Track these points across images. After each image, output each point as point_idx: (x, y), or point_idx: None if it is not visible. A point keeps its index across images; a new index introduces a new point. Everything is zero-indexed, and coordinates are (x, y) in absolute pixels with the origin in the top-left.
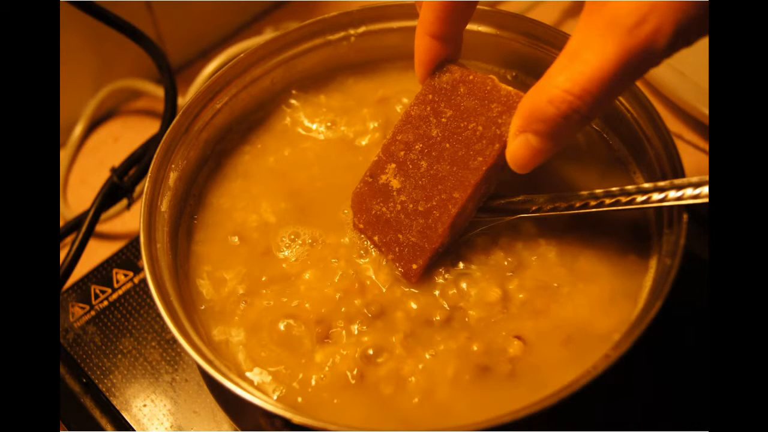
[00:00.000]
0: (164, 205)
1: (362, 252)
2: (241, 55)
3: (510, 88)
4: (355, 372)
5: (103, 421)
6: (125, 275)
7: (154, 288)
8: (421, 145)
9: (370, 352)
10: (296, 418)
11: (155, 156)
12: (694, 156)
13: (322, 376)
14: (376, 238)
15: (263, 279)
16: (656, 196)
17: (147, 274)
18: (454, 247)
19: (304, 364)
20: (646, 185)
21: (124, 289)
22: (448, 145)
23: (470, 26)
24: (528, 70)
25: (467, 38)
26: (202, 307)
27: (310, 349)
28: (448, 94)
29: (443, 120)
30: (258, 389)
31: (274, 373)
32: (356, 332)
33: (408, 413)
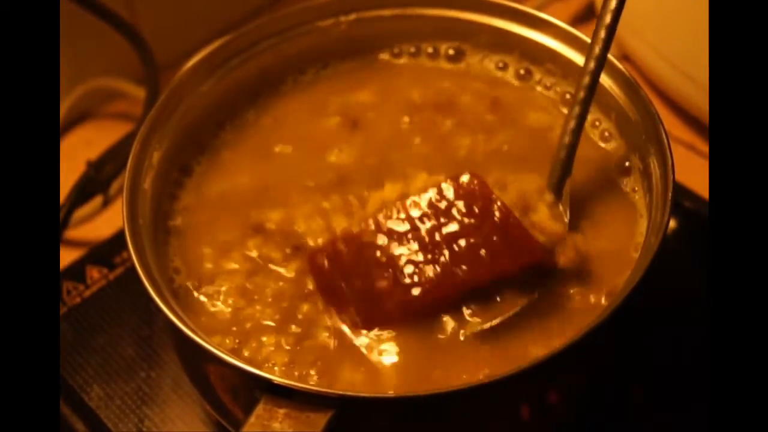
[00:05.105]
0: (147, 183)
1: None
2: (227, 37)
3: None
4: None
5: (73, 419)
6: (99, 272)
7: (134, 252)
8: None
9: None
10: (276, 380)
11: (136, 139)
12: (693, 158)
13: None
14: None
15: None
16: None
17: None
18: None
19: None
20: None
21: (98, 285)
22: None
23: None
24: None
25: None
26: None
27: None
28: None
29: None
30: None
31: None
32: None
33: None
